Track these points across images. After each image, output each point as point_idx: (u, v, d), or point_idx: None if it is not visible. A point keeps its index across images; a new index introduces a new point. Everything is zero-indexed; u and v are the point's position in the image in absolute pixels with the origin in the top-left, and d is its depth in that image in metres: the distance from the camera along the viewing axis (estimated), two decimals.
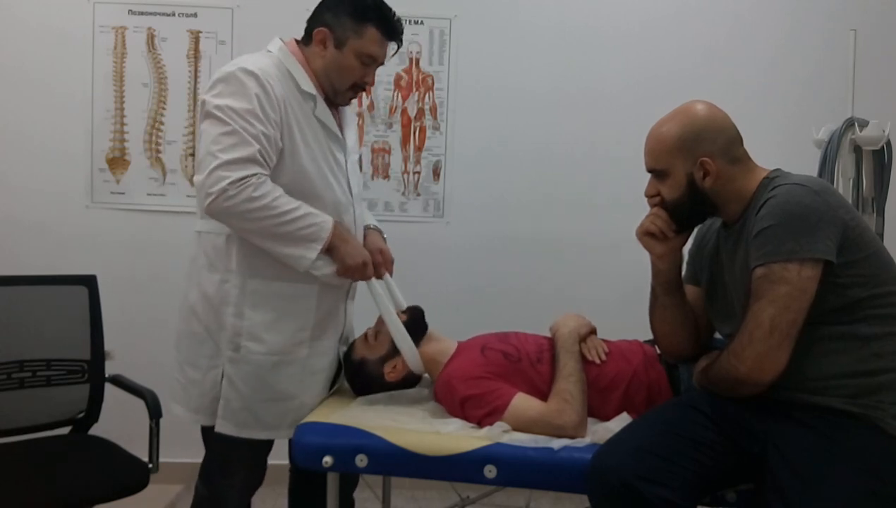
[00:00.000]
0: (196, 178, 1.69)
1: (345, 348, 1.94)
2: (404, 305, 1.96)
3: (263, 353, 1.76)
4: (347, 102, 1.91)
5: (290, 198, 1.69)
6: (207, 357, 1.79)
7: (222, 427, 1.77)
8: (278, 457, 1.96)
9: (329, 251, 1.74)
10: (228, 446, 1.79)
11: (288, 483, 2.07)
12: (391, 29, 1.80)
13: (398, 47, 1.85)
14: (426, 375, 1.96)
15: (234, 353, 1.76)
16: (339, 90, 1.83)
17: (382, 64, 1.86)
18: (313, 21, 1.82)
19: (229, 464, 1.84)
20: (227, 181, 1.61)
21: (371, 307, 1.90)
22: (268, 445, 1.87)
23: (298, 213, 1.68)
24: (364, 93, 2.95)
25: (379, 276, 1.91)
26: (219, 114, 1.66)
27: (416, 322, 1.91)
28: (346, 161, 1.88)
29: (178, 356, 1.86)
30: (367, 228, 1.99)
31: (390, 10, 1.82)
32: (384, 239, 2.02)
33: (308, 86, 1.79)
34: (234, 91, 1.68)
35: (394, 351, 1.87)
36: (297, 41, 1.85)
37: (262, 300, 1.76)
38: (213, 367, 1.78)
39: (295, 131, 1.74)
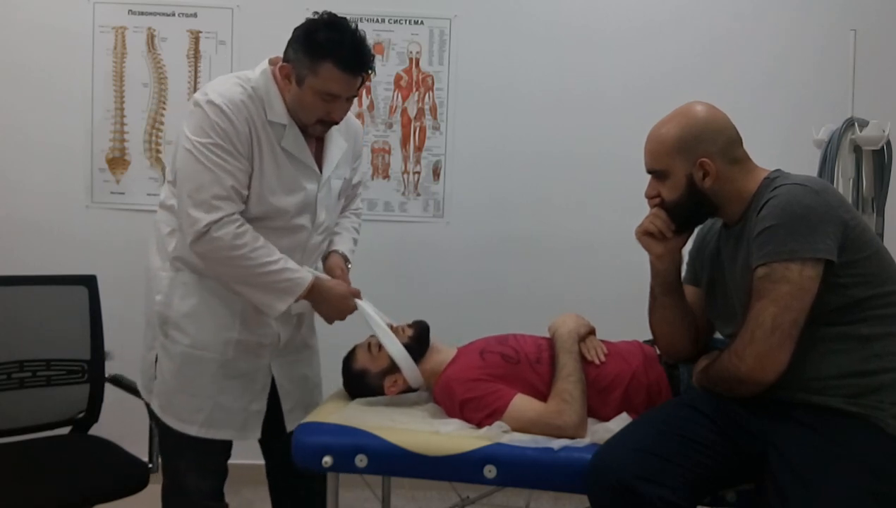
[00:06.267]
0: (177, 204, 1.73)
1: (277, 360, 1.87)
2: (387, 319, 1.88)
3: (188, 345, 1.78)
4: (320, 134, 1.82)
5: (271, 249, 1.71)
6: (150, 337, 1.85)
7: (153, 406, 1.83)
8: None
9: (313, 304, 1.80)
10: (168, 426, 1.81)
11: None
12: (351, 62, 1.67)
13: (363, 79, 1.72)
14: None
15: (165, 339, 1.80)
16: (307, 124, 1.77)
17: (355, 95, 1.76)
18: (284, 54, 1.74)
19: (177, 445, 1.81)
20: (203, 223, 1.65)
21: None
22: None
23: (276, 267, 1.70)
24: (364, 93, 2.97)
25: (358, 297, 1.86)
26: (192, 149, 1.67)
27: (421, 339, 1.87)
28: (318, 189, 1.82)
29: None
30: (332, 253, 1.96)
31: (352, 39, 1.67)
32: (347, 265, 1.96)
33: (277, 116, 1.74)
34: (203, 125, 1.67)
35: (396, 366, 1.83)
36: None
37: (190, 292, 1.78)
38: (152, 348, 1.84)
39: (256, 160, 1.72)
